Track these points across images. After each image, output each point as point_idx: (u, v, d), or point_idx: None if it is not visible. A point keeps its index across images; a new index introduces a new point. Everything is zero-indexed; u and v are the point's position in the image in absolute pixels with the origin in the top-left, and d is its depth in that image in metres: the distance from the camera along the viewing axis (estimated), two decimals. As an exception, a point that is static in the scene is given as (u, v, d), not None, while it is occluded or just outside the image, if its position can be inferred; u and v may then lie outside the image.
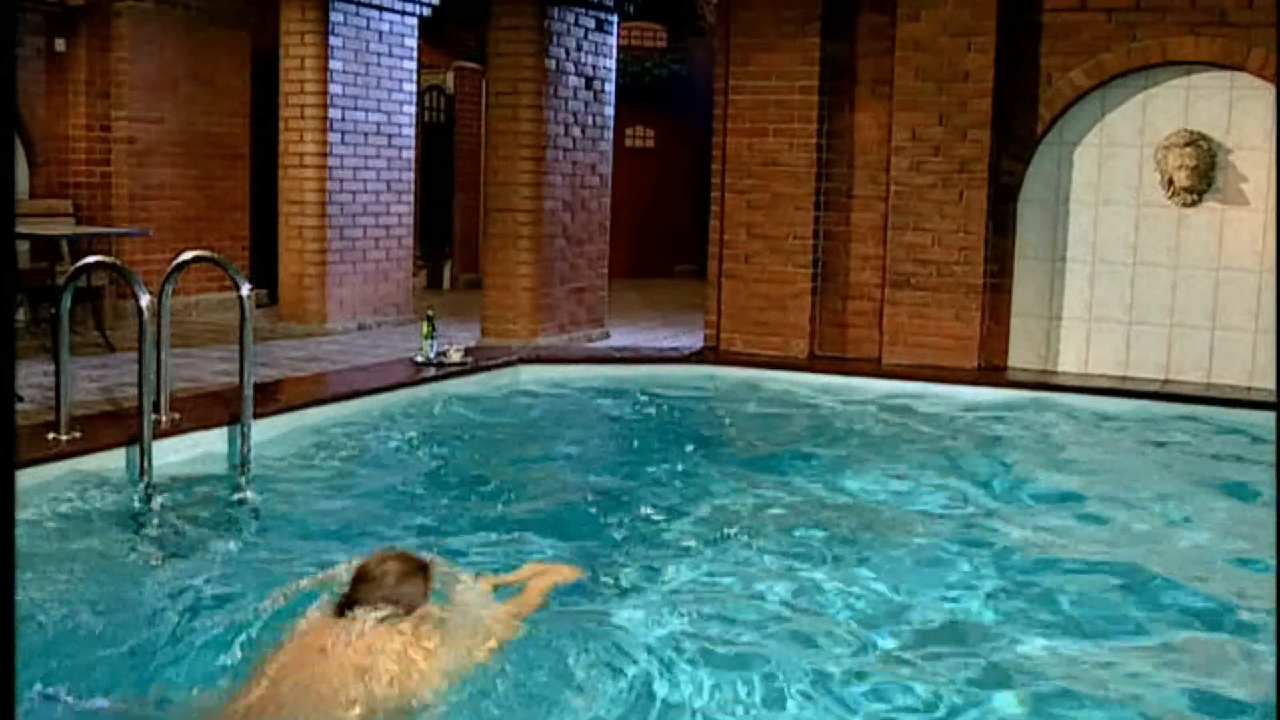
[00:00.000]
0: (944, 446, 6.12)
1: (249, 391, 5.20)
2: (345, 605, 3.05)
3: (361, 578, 3.08)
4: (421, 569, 3.15)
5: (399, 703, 2.86)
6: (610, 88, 10.12)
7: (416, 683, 2.90)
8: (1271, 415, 6.11)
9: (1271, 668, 3.34)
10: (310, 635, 3.01)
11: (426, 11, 10.81)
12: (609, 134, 10.16)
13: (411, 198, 11.06)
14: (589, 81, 9.81)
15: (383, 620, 2.98)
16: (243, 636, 3.41)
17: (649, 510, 4.81)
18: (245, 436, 5.20)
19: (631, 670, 3.24)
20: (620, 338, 10.11)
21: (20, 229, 8.36)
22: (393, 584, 3.05)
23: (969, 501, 5.16)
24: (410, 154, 10.95)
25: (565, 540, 4.36)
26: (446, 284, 13.93)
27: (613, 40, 10.14)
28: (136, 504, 4.68)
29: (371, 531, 4.46)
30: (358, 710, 2.81)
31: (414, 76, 10.94)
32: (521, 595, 3.43)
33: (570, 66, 9.56)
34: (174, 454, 5.15)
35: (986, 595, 4.03)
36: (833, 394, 7.30)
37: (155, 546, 4.29)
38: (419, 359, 7.19)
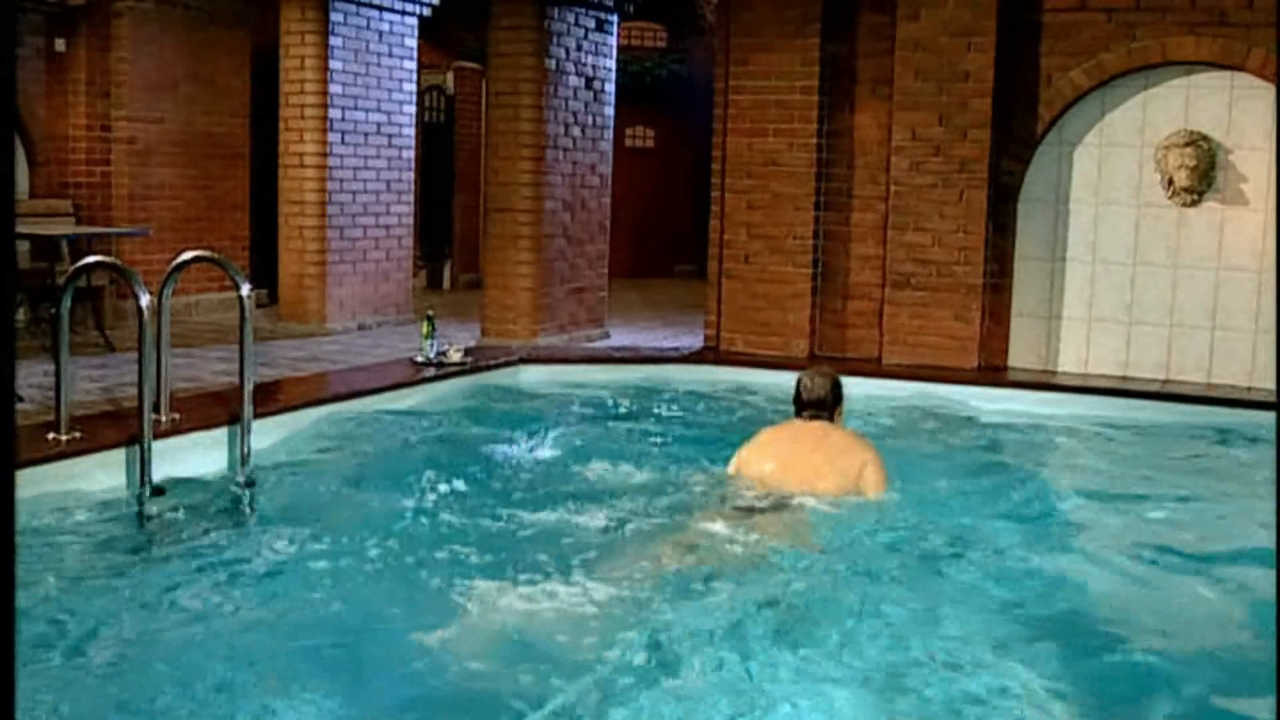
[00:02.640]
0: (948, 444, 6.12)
1: (249, 391, 5.20)
2: (799, 411, 4.84)
3: (801, 392, 4.84)
4: (834, 379, 4.89)
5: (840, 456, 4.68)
6: (610, 88, 10.12)
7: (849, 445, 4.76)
8: (1271, 415, 6.11)
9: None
10: (787, 428, 4.92)
11: (426, 11, 10.82)
12: (609, 134, 10.16)
13: (411, 198, 11.07)
14: (589, 81, 9.81)
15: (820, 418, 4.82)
16: (242, 636, 3.41)
17: (648, 510, 4.80)
18: (245, 436, 5.20)
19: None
20: (620, 338, 10.11)
21: (20, 229, 8.37)
22: (822, 391, 4.82)
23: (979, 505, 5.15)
24: (410, 154, 10.96)
25: (565, 538, 4.36)
26: (446, 284, 13.94)
27: (613, 40, 10.15)
28: (136, 504, 4.68)
29: (370, 532, 4.45)
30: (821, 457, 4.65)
31: (414, 76, 10.95)
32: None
33: (570, 66, 9.56)
34: (174, 454, 5.14)
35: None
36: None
37: (155, 547, 4.29)
38: (419, 359, 7.18)
